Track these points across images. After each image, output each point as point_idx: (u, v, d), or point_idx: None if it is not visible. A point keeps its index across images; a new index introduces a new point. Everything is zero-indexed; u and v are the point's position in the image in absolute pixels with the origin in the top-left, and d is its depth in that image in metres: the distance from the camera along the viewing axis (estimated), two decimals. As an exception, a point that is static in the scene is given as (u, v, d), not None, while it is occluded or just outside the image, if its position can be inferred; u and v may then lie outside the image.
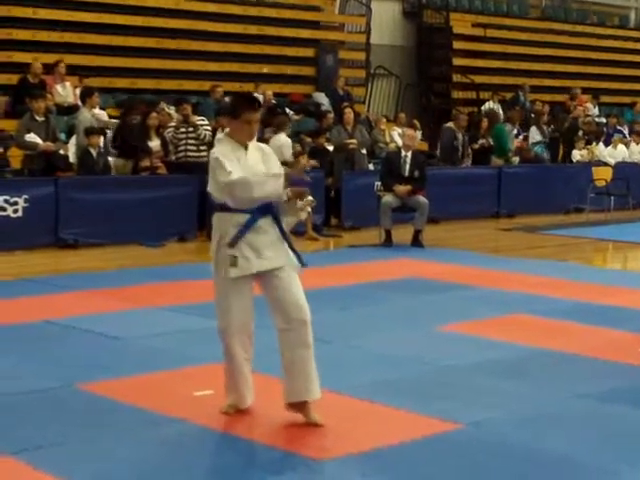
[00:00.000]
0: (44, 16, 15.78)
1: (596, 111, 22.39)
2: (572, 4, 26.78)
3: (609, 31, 26.28)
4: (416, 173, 12.40)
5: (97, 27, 16.30)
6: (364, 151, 15.01)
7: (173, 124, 13.35)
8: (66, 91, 14.77)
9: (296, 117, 16.93)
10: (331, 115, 15.73)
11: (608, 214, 16.01)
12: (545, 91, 22.35)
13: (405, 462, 4.76)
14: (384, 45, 21.51)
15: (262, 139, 10.21)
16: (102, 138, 12.68)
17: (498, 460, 4.83)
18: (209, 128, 13.14)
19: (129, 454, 4.80)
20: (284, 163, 9.38)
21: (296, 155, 13.28)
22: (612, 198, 16.26)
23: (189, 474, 4.58)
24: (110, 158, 12.71)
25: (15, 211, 11.33)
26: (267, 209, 5.18)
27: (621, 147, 18.58)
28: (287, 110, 16.48)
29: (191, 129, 13.06)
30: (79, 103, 13.74)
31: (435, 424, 5.30)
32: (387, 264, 10.91)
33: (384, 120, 17.96)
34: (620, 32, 26.60)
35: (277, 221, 5.24)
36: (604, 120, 21.17)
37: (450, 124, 16.23)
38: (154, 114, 13.08)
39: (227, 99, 13.47)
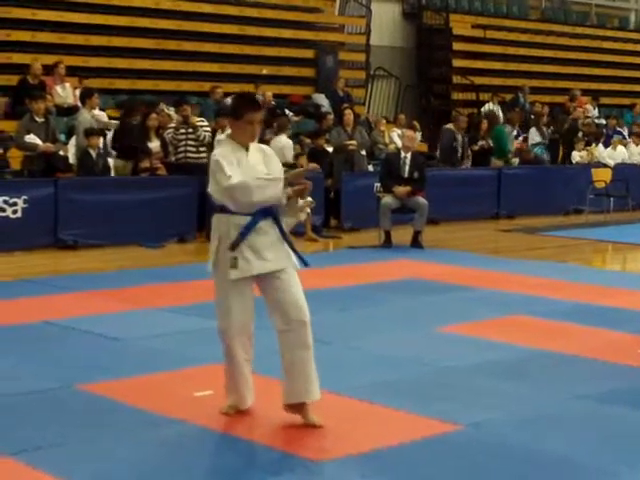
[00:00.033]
0: (44, 17, 15.79)
1: (596, 112, 22.42)
2: (572, 6, 26.81)
3: (609, 33, 26.28)
4: (416, 174, 12.40)
5: (97, 28, 16.33)
6: (364, 152, 15.02)
7: (173, 125, 13.37)
8: (66, 92, 14.76)
9: (296, 118, 16.92)
10: (331, 116, 15.72)
11: (607, 215, 16.00)
12: (545, 92, 22.35)
13: (405, 463, 4.75)
14: (384, 46, 21.52)
15: (263, 140, 10.20)
16: (102, 139, 12.66)
17: (498, 461, 4.83)
18: (208, 129, 13.15)
19: (129, 455, 4.80)
20: (285, 165, 9.37)
21: (296, 156, 13.27)
22: (611, 199, 16.24)
23: (189, 475, 4.58)
24: (110, 159, 12.70)
25: (15, 212, 11.32)
26: (267, 211, 5.17)
27: (620, 148, 18.58)
28: (287, 111, 16.48)
29: (191, 130, 13.07)
30: (79, 104, 13.73)
31: (435, 425, 5.29)
32: (387, 265, 10.91)
33: (384, 121, 17.97)
34: (620, 34, 26.61)
35: (277, 222, 5.23)
36: (604, 121, 21.20)
37: (450, 125, 16.24)
38: (154, 115, 13.09)
39: (227, 99, 13.45)
